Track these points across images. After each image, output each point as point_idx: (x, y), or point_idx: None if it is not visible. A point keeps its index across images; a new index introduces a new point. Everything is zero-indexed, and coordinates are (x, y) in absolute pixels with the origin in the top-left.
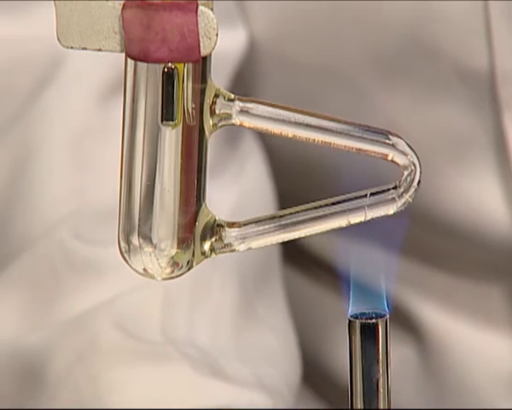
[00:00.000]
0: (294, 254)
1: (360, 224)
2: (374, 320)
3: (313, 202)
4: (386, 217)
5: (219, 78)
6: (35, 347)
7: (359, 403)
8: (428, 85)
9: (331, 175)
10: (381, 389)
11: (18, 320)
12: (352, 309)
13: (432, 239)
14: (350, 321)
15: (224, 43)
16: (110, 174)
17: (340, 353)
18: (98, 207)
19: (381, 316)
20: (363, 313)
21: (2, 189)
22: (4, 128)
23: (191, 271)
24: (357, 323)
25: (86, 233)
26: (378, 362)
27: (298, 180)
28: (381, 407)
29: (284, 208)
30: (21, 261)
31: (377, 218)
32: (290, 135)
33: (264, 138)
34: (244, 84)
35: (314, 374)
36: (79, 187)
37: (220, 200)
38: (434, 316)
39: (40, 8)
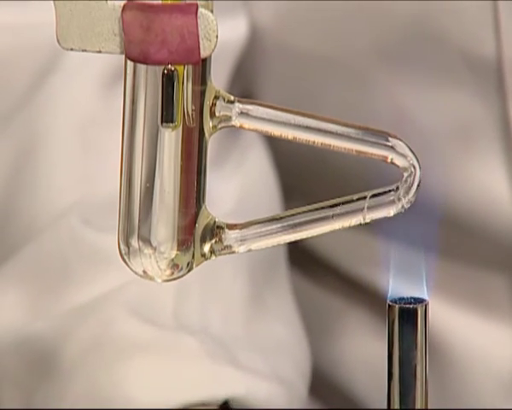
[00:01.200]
0: (298, 255)
1: (395, 226)
2: (413, 305)
3: (317, 194)
4: (418, 218)
5: (220, 68)
6: (47, 334)
7: (396, 388)
8: (435, 74)
9: (335, 167)
10: (418, 376)
11: (28, 308)
12: (391, 294)
13: None
14: (389, 305)
15: (225, 32)
16: (116, 161)
17: (343, 355)
18: (106, 194)
19: (421, 301)
20: (402, 298)
21: (9, 178)
22: (8, 117)
23: None
24: (397, 307)
25: (95, 220)
26: (416, 348)
27: (301, 172)
28: (419, 393)
29: (288, 200)
30: (30, 250)
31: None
32: (290, 137)
33: None
34: (246, 74)
35: (316, 377)
36: (86, 175)
37: (222, 190)
38: (436, 309)
39: None
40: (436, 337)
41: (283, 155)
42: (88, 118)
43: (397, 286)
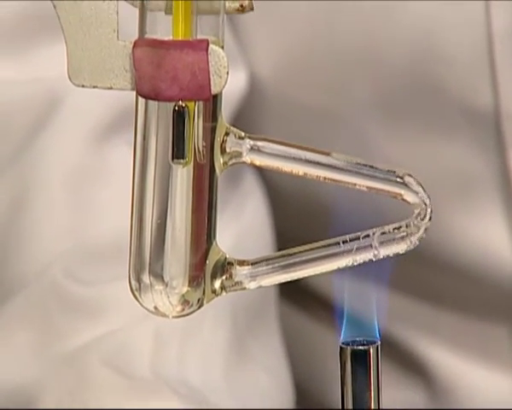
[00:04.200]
0: (289, 288)
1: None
2: (365, 347)
3: (312, 239)
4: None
5: None
6: (26, 385)
7: None
8: (433, 125)
9: (330, 213)
10: None
11: (10, 359)
12: (343, 336)
13: (438, 280)
14: (341, 348)
15: None
16: (104, 214)
17: (335, 386)
18: (90, 247)
19: (373, 343)
20: (355, 341)
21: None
22: (1, 170)
23: None
24: (349, 349)
25: (78, 272)
26: (369, 389)
27: (297, 218)
28: None
29: (283, 246)
30: (16, 301)
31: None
32: (301, 173)
33: (265, 176)
34: (245, 126)
35: (309, 407)
36: (73, 227)
37: (218, 239)
38: (442, 358)
39: (38, 51)
40: (444, 382)
41: (280, 200)
42: (79, 171)
43: (349, 328)
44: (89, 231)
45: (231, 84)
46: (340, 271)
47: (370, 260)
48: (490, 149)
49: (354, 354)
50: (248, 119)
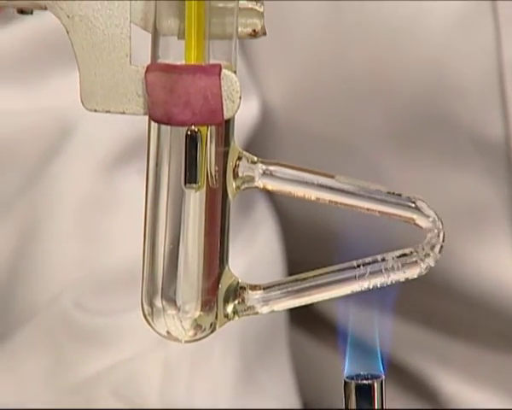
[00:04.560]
0: (300, 314)
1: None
2: (369, 381)
3: (323, 266)
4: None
5: None
6: None
7: None
8: (444, 155)
9: (341, 240)
10: None
11: (20, 388)
12: (348, 370)
13: (451, 309)
14: (345, 382)
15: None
16: (114, 244)
17: None
18: (100, 277)
19: (377, 377)
20: (359, 375)
21: (10, 259)
22: (12, 200)
23: None
24: (353, 384)
25: (88, 302)
26: None
27: (308, 245)
28: None
29: (294, 273)
30: (26, 330)
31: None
32: (313, 198)
33: (276, 203)
34: (256, 154)
35: None
36: (83, 256)
37: (230, 268)
38: (455, 388)
39: (49, 81)
40: None
41: (291, 228)
42: (89, 201)
43: (353, 362)
44: (99, 261)
45: (243, 113)
46: (344, 301)
47: (377, 287)
48: (500, 179)
49: (358, 388)
50: (260, 147)
